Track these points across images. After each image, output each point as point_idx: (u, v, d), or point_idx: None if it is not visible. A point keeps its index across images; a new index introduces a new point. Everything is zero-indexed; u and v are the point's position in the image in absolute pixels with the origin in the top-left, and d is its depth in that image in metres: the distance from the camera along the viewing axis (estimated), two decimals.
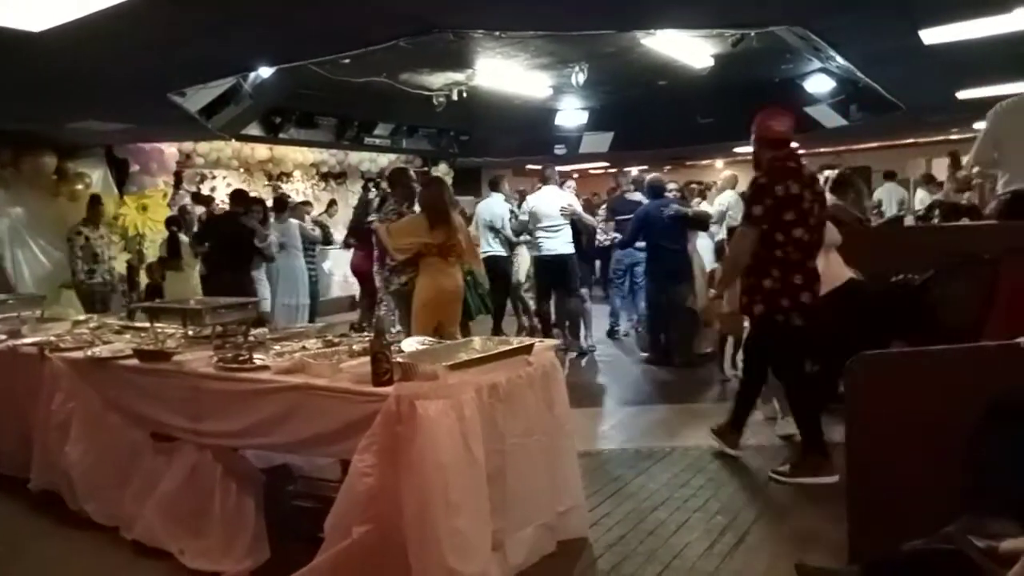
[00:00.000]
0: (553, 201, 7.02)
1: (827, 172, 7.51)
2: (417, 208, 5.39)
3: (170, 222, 7.82)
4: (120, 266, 8.45)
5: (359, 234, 8.46)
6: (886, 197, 10.56)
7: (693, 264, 6.75)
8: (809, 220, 3.64)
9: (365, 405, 2.58)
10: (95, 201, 7.86)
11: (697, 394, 5.72)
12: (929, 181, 10.87)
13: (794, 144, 3.95)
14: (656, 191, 6.85)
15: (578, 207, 7.25)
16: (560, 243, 6.95)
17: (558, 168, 7.74)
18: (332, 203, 11.93)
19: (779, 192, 3.60)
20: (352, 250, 8.65)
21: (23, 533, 3.49)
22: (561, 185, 7.45)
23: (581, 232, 7.29)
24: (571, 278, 7.08)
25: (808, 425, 3.77)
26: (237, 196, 7.64)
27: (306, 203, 11.75)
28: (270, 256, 7.34)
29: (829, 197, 6.19)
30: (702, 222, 7.05)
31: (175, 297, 6.84)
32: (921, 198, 10.55)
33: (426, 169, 12.99)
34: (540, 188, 7.34)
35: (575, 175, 12.97)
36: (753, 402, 4.22)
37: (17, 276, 8.02)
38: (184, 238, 7.68)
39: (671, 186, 7.11)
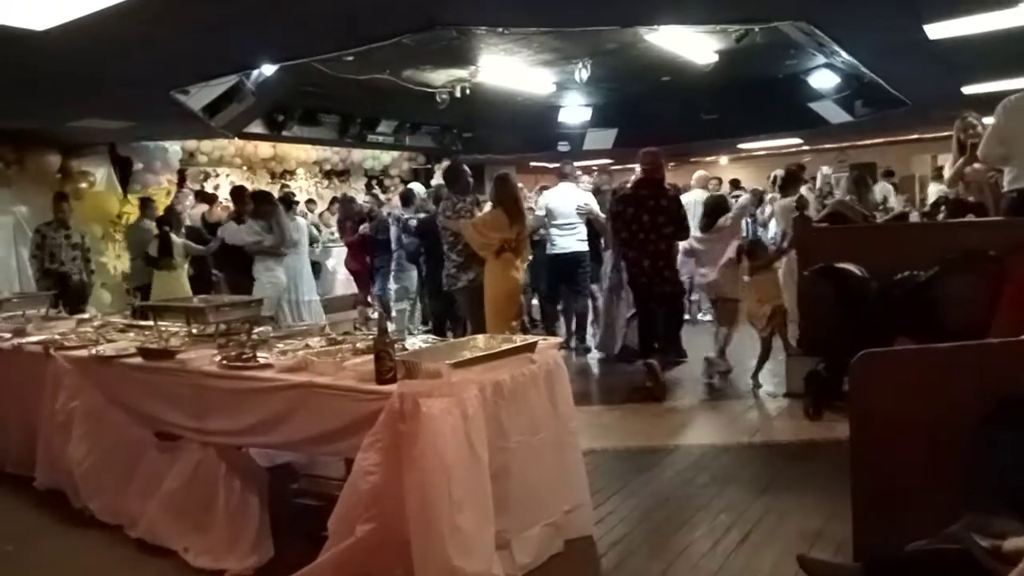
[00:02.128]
0: (570, 199, 6.96)
1: (776, 172, 7.89)
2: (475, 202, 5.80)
3: (161, 221, 7.76)
4: (124, 264, 8.46)
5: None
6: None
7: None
8: (633, 227, 5.44)
9: (369, 403, 2.57)
10: (59, 199, 7.53)
11: (700, 392, 5.70)
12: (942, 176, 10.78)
13: (658, 174, 5.66)
14: None
15: (595, 206, 7.20)
16: (573, 241, 6.89)
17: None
18: (334, 200, 11.95)
19: (614, 210, 5.74)
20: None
21: (28, 531, 3.50)
22: (577, 182, 7.45)
23: (598, 232, 7.21)
24: (582, 276, 7.05)
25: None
26: (236, 195, 7.60)
27: (310, 201, 11.81)
28: (271, 249, 7.11)
29: (785, 201, 6.67)
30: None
31: (164, 296, 6.78)
32: (934, 191, 10.48)
33: (429, 166, 13.00)
34: (558, 184, 7.25)
35: (578, 172, 12.93)
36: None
37: (22, 274, 8.03)
38: (176, 238, 7.62)
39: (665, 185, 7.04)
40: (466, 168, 6.17)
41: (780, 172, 7.79)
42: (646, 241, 5.44)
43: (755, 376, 5.59)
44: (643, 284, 5.55)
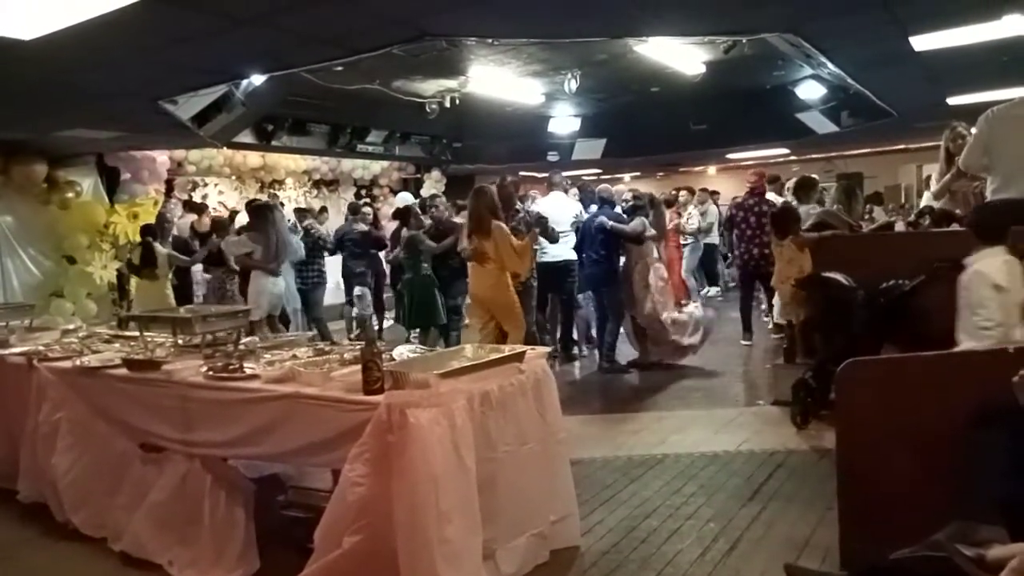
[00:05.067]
0: (562, 208, 7.07)
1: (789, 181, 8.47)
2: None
3: (145, 231, 7.72)
4: (110, 274, 8.41)
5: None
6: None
7: (634, 273, 6.69)
8: (743, 226, 7.47)
9: (356, 414, 2.57)
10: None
11: (688, 401, 5.71)
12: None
13: (759, 188, 7.79)
14: (604, 202, 6.99)
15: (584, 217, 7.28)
16: (566, 249, 6.93)
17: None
18: (323, 210, 11.90)
19: (729, 214, 8.37)
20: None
21: (10, 543, 3.46)
22: (567, 192, 7.53)
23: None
24: (571, 285, 7.07)
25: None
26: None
27: (303, 210, 11.72)
28: (259, 264, 6.95)
29: (804, 208, 7.09)
30: (633, 235, 6.67)
31: (146, 306, 6.73)
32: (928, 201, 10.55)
33: (419, 176, 12.99)
34: (548, 194, 7.46)
35: (567, 182, 12.97)
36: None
37: (7, 285, 7.96)
38: (160, 248, 7.58)
39: (627, 195, 7.04)
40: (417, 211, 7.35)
41: (792, 181, 8.29)
42: (753, 236, 7.31)
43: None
44: (744, 266, 7.58)
